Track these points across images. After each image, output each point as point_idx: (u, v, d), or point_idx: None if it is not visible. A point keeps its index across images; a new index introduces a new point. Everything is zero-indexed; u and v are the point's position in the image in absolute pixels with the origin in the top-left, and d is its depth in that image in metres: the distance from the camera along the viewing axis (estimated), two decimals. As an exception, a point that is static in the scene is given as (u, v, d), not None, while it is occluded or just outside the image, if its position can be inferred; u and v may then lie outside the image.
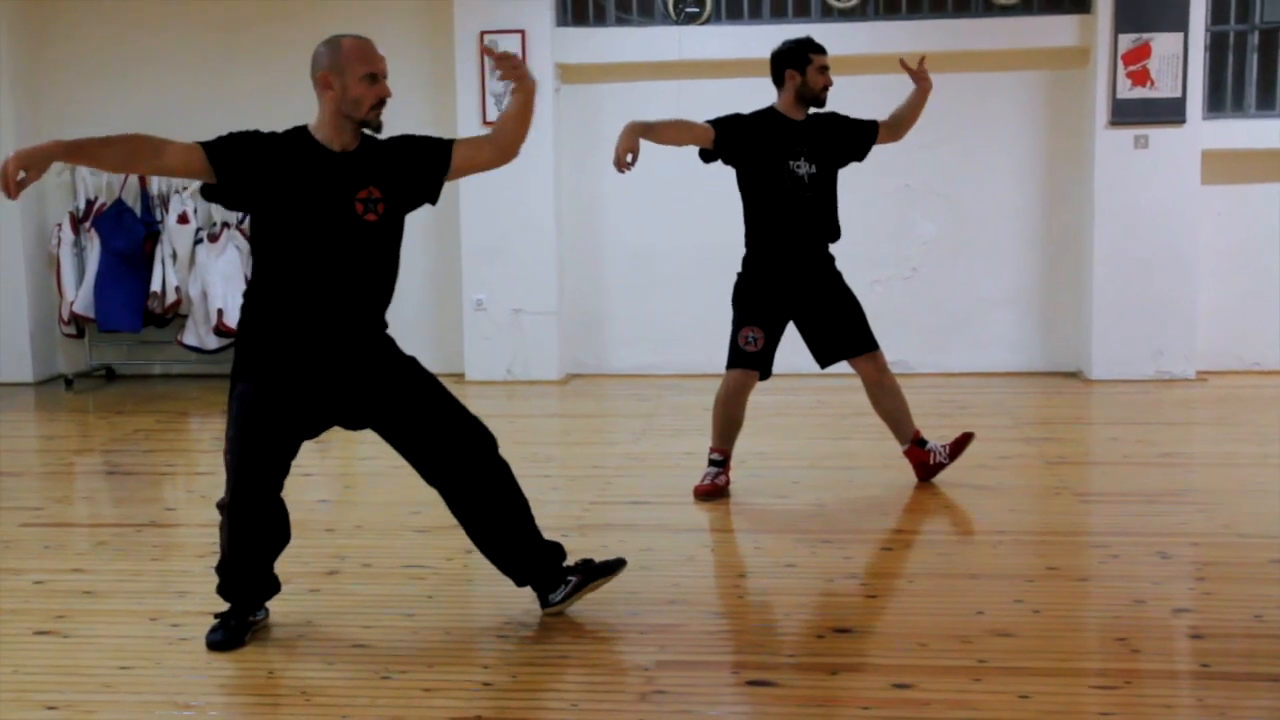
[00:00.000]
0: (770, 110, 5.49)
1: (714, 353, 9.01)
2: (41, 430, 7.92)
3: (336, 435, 6.85)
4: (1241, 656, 3.65)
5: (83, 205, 9.13)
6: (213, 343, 8.96)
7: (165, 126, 9.10)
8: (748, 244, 5.56)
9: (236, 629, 3.82)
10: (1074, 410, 7.89)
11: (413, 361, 3.92)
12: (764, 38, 8.77)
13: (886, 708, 3.33)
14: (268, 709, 3.44)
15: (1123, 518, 5.20)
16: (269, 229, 3.72)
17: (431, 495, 5.55)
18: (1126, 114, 8.40)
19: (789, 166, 5.38)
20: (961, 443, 5.70)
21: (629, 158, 5.09)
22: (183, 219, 8.91)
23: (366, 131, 3.77)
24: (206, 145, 3.62)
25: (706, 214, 8.95)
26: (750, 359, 5.48)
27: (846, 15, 8.77)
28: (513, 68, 3.79)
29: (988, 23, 8.65)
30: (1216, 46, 8.65)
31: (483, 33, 8.66)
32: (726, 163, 5.46)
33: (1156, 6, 8.28)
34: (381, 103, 3.68)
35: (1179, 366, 8.60)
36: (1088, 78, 8.60)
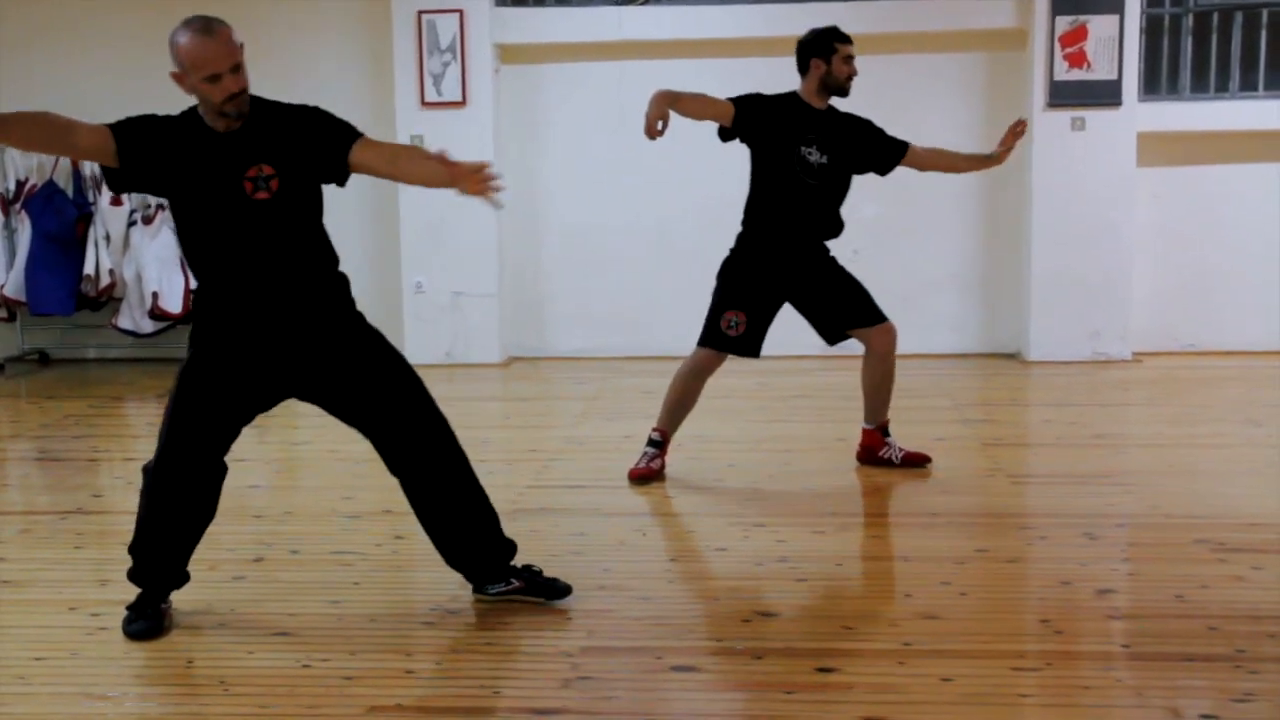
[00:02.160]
0: (792, 95, 5.46)
1: (657, 335, 9.06)
2: (-29, 416, 7.79)
3: (275, 420, 6.79)
4: (1161, 637, 3.68)
5: (13, 186, 8.96)
6: (148, 326, 8.84)
7: (97, 102, 8.99)
8: (745, 224, 5.50)
9: (154, 616, 3.77)
10: (1011, 392, 7.94)
11: (374, 341, 3.85)
12: (704, 19, 8.81)
13: (809, 692, 3.33)
14: (185, 698, 3.39)
15: (1053, 499, 5.24)
16: (175, 212, 3.71)
17: (365, 481, 5.56)
18: (1064, 96, 8.45)
19: (800, 152, 5.34)
20: (918, 459, 5.68)
21: (660, 125, 5.00)
22: (116, 201, 8.75)
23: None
24: (114, 128, 3.56)
25: (648, 195, 8.94)
26: (727, 342, 5.44)
27: (786, -3, 8.74)
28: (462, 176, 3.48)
29: (926, 5, 8.66)
30: (1152, 29, 8.70)
31: (420, 12, 8.57)
32: (743, 141, 5.41)
33: (1093, -11, 8.33)
34: (232, 96, 3.54)
35: (1115, 348, 8.68)
36: (1025, 60, 8.64)
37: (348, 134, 3.69)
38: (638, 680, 3.44)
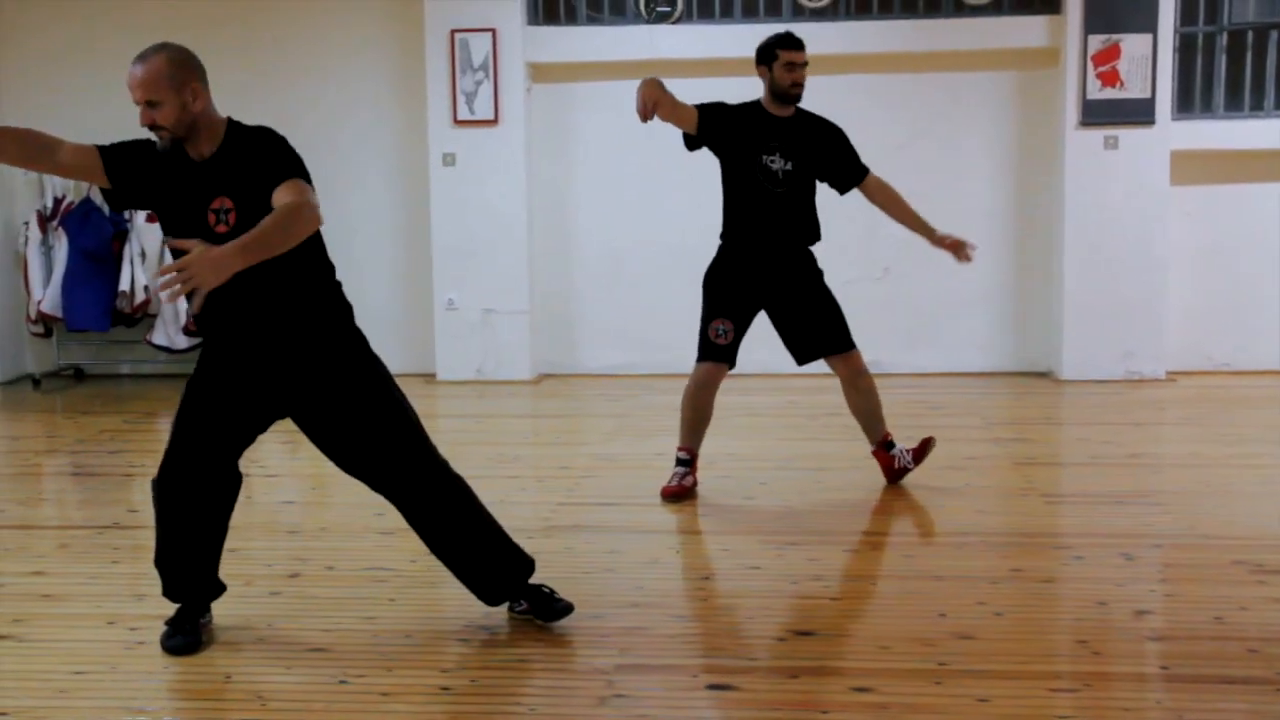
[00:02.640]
0: (755, 103, 5.49)
1: (686, 353, 9.00)
2: (8, 430, 7.85)
3: (301, 434, 6.78)
4: (1201, 659, 3.65)
5: (50, 204, 9.06)
6: (182, 342, 8.91)
7: (134, 121, 9.08)
8: (722, 234, 5.56)
9: (191, 631, 3.79)
10: (1044, 411, 7.91)
11: (359, 371, 3.75)
12: (735, 37, 8.82)
13: (846, 711, 3.32)
14: (223, 714, 3.41)
15: (1089, 519, 5.21)
16: (150, 209, 3.76)
17: (397, 497, 5.57)
18: (1096, 115, 8.43)
19: (761, 160, 5.38)
20: (924, 447, 5.70)
21: (653, 106, 5.08)
22: (152, 218, 8.84)
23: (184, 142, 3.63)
24: (102, 149, 3.63)
25: (679, 214, 8.95)
26: (720, 351, 5.47)
27: (818, 15, 8.77)
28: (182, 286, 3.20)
29: (959, 23, 8.67)
30: (1185, 47, 8.68)
31: (453, 30, 8.63)
32: (710, 149, 5.45)
33: (1126, 8, 8.31)
34: (152, 126, 3.55)
35: (1148, 367, 8.63)
36: (1058, 78, 8.63)
37: (286, 168, 3.54)
38: (673, 698, 3.44)
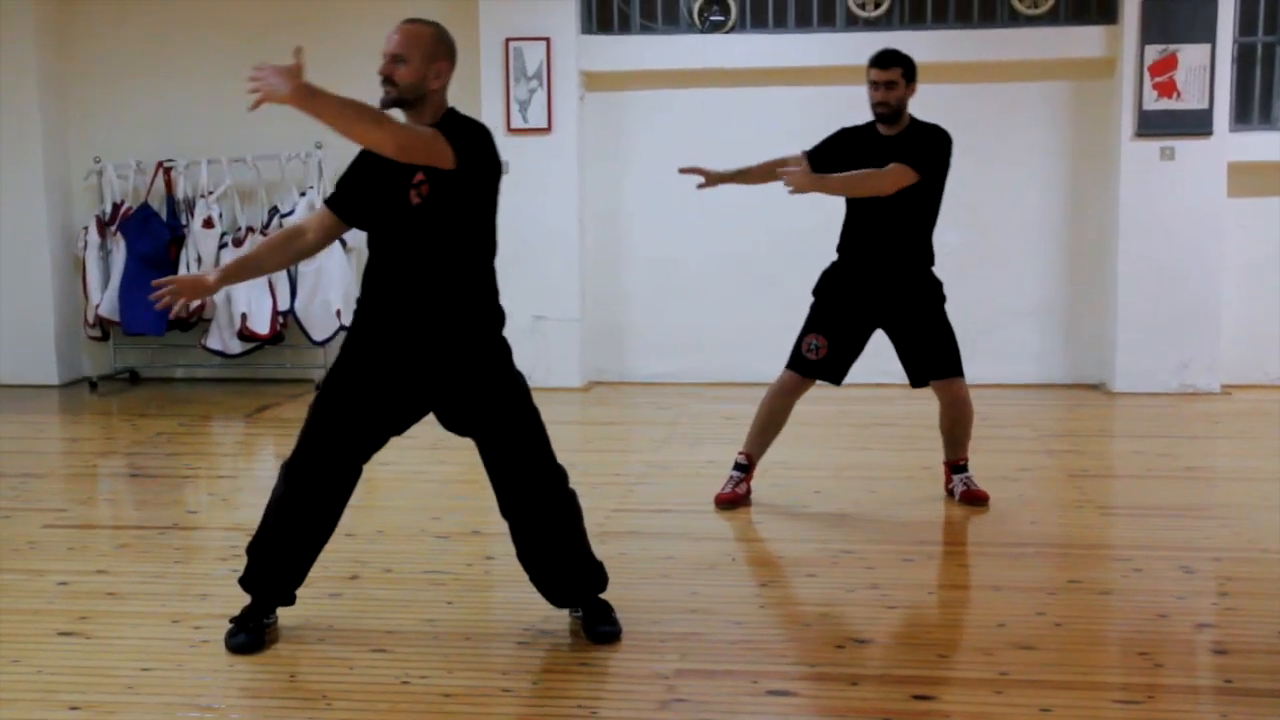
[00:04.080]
0: (870, 124, 5.48)
1: (736, 361, 9.07)
2: (65, 432, 7.97)
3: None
4: (1265, 673, 3.62)
5: (109, 209, 9.19)
6: (236, 347, 9.00)
7: (190, 128, 9.21)
8: (839, 248, 5.56)
9: (255, 630, 3.84)
10: (1097, 423, 7.86)
11: (508, 379, 3.86)
12: (788, 46, 8.84)
13: (907, 719, 3.32)
14: (289, 712, 3.44)
15: (1146, 531, 5.18)
16: (365, 213, 3.84)
17: (452, 503, 5.65)
18: (1152, 125, 8.37)
19: None
20: (977, 498, 5.58)
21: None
22: (208, 224, 8.96)
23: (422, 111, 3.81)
24: (331, 204, 3.84)
25: (729, 223, 8.96)
26: (806, 365, 5.46)
27: (872, 25, 8.76)
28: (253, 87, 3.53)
29: (1014, 33, 8.63)
30: (1244, 58, 8.61)
31: (507, 39, 8.68)
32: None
33: (1183, 18, 8.25)
34: (386, 79, 3.74)
35: (1203, 380, 8.56)
36: (1114, 89, 8.57)
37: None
38: (734, 703, 3.45)
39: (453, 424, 3.88)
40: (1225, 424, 7.74)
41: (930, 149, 5.32)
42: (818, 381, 5.54)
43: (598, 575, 3.98)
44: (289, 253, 3.95)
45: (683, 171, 5.41)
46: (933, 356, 5.46)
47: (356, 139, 3.55)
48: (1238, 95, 8.59)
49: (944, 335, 5.47)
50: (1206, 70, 8.26)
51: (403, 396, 3.80)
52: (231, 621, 3.88)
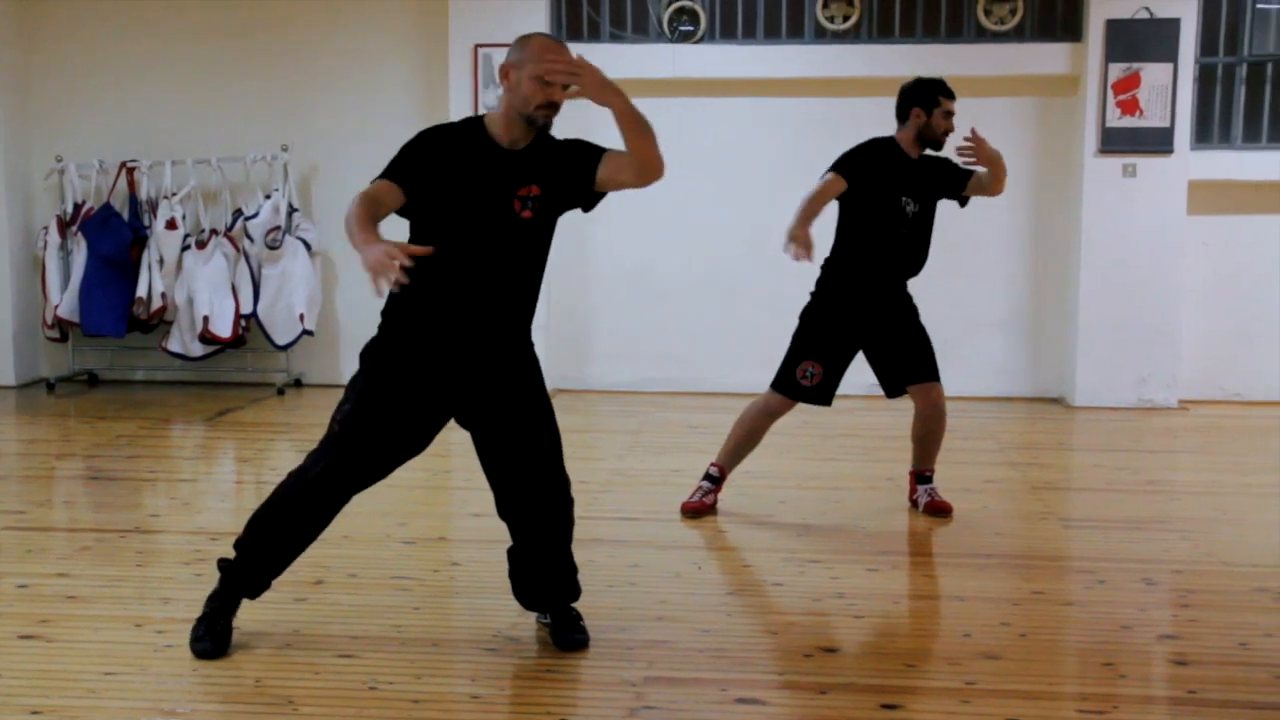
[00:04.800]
0: (891, 142, 5.44)
1: (703, 371, 9.09)
2: (22, 434, 7.87)
3: (316, 443, 6.78)
4: (1228, 684, 3.66)
5: (70, 209, 9.10)
6: (197, 350, 8.93)
7: (155, 128, 9.13)
8: (833, 269, 5.46)
9: (223, 633, 3.79)
10: (1058, 436, 7.93)
11: (540, 383, 3.85)
12: (756, 57, 8.87)
13: (875, 728, 3.34)
14: (255, 717, 3.40)
15: (1108, 543, 5.22)
16: (432, 220, 3.66)
17: (418, 508, 5.61)
18: (1115, 142, 8.47)
19: (900, 202, 5.34)
20: (940, 509, 5.60)
21: (806, 246, 5.12)
22: (171, 225, 8.88)
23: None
24: (394, 179, 3.59)
25: (696, 232, 8.99)
26: (799, 391, 5.43)
27: (840, 37, 8.81)
28: (594, 89, 3.61)
29: (981, 48, 8.70)
30: (1205, 78, 8.72)
31: (476, 45, 8.67)
32: (854, 192, 5.36)
33: (1147, 37, 8.36)
34: (550, 105, 3.62)
35: (1161, 395, 8.65)
36: (1077, 105, 8.67)
37: (596, 150, 3.75)
38: (703, 711, 3.45)
39: (476, 423, 3.81)
40: (1183, 438, 7.82)
41: (950, 164, 5.54)
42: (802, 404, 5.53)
43: (576, 583, 3.98)
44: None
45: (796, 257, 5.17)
46: (913, 361, 5.48)
47: (638, 149, 3.65)
48: (1198, 114, 8.70)
49: (924, 340, 5.51)
50: (1168, 89, 8.36)
51: (446, 406, 3.76)
52: (199, 623, 3.81)
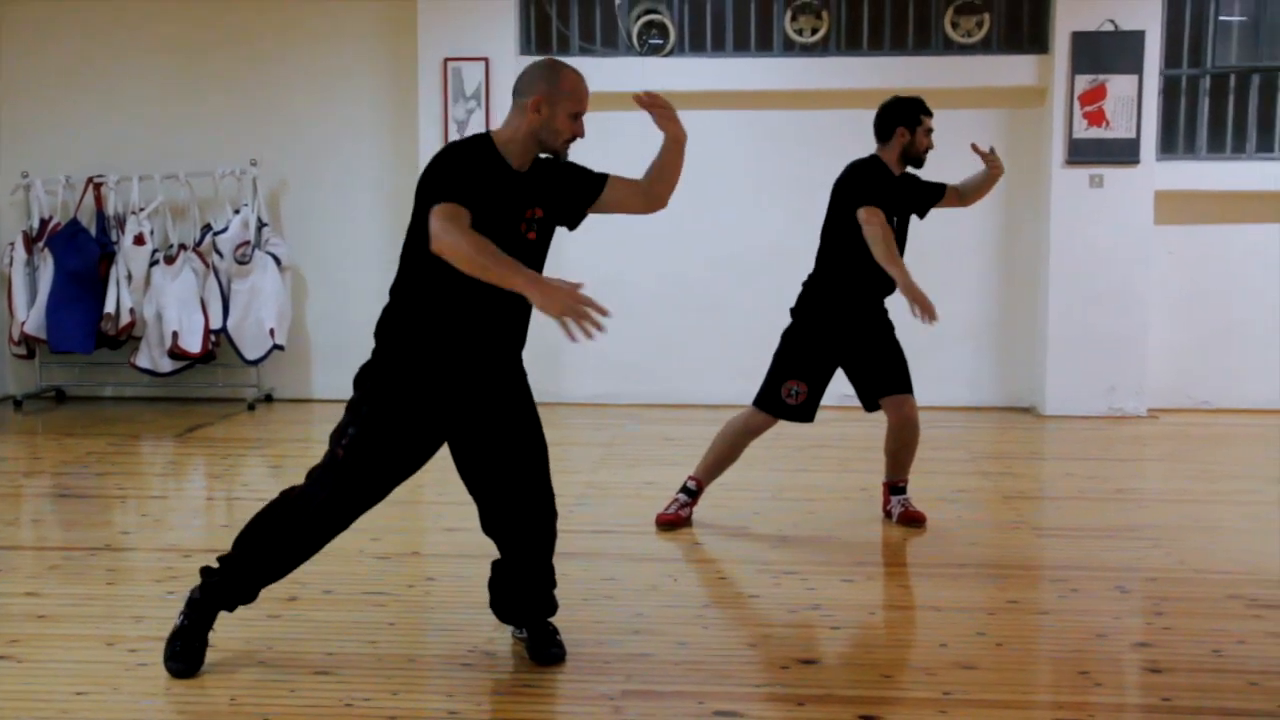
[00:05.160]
0: (879, 161, 5.47)
1: (674, 384, 9.10)
2: (-10, 451, 7.80)
3: (291, 460, 6.79)
4: (1202, 691, 3.68)
5: (37, 224, 9.03)
6: (166, 365, 8.87)
7: (122, 143, 9.08)
8: (817, 288, 5.48)
9: (195, 651, 3.75)
10: (1029, 445, 7.97)
11: (529, 398, 3.85)
12: (726, 70, 8.91)
13: (854, 739, 3.34)
14: (229, 736, 3.39)
15: (1080, 552, 5.25)
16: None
17: (391, 523, 5.57)
18: (1082, 153, 8.54)
19: (891, 222, 5.36)
20: (914, 519, 5.63)
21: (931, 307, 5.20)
22: (139, 240, 8.83)
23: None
24: (456, 198, 3.47)
25: (667, 246, 9.00)
26: (783, 409, 5.44)
27: (808, 50, 8.85)
28: (667, 117, 3.79)
29: (948, 60, 8.76)
30: (1169, 90, 8.80)
31: (446, 59, 8.67)
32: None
33: (1112, 49, 8.43)
34: (574, 139, 3.67)
35: (1130, 404, 8.71)
36: (1045, 117, 8.74)
37: (597, 175, 3.86)
38: (681, 724, 3.44)
39: (468, 439, 3.77)
40: (1152, 447, 7.88)
41: (918, 180, 5.66)
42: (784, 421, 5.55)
43: (554, 598, 3.98)
44: None
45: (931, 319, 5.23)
46: (886, 375, 5.51)
47: (671, 180, 3.93)
48: (1164, 126, 8.79)
49: (898, 354, 5.55)
50: (1134, 100, 8.44)
51: (447, 427, 3.73)
52: (172, 639, 3.76)
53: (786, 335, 5.51)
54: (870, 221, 5.24)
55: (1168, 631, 4.24)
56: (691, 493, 5.62)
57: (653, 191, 3.91)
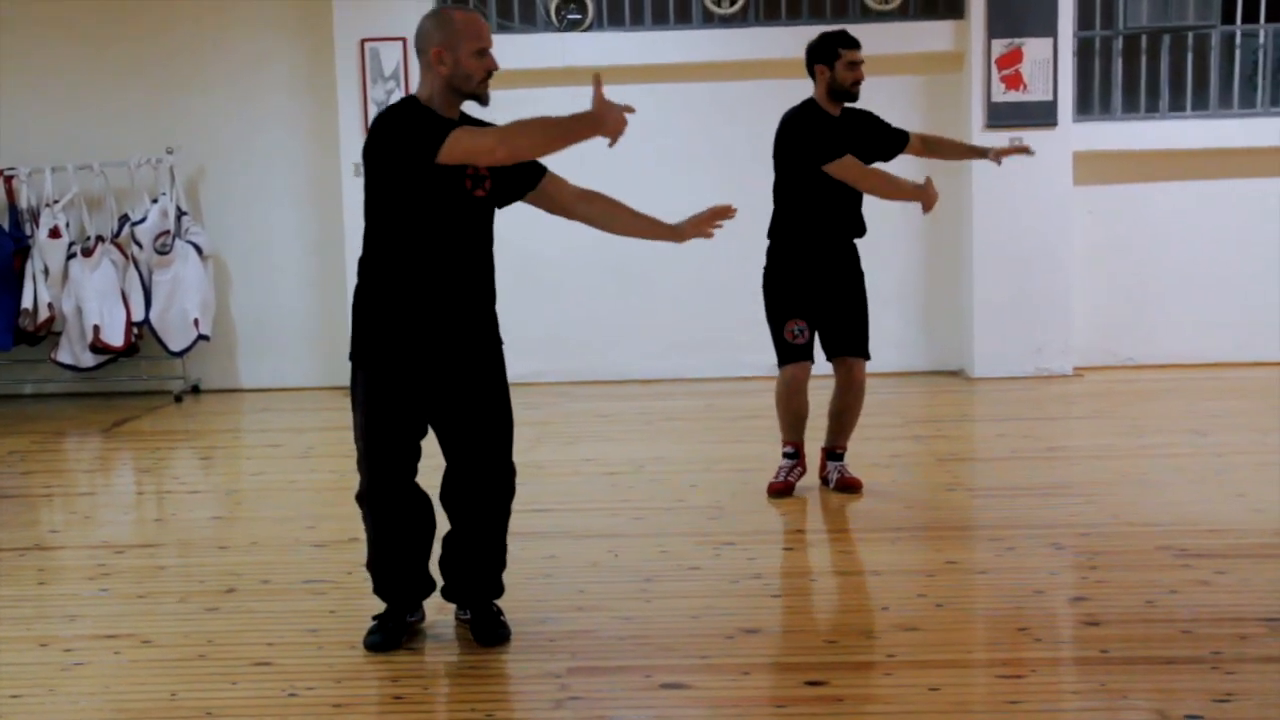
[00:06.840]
0: (812, 104, 5.47)
1: (608, 360, 9.07)
2: (-92, 454, 7.61)
3: (221, 451, 6.69)
4: (1139, 641, 3.75)
5: (-53, 220, 8.80)
6: (88, 360, 8.70)
7: (33, 134, 8.87)
8: (776, 235, 5.53)
9: (394, 630, 3.81)
10: (959, 408, 8.05)
11: (501, 372, 3.87)
12: (645, 44, 8.87)
13: (801, 705, 3.36)
14: (172, 732, 3.34)
15: (1015, 511, 5.32)
16: (391, 205, 3.66)
17: (327, 510, 5.52)
18: (1001, 117, 8.61)
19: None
20: (850, 485, 5.66)
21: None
22: (54, 233, 8.63)
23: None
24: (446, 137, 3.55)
25: (591, 220, 8.95)
26: (801, 350, 5.48)
27: (727, 21, 8.84)
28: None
29: (865, 28, 8.69)
30: (1083, 51, 8.91)
31: (363, 40, 8.55)
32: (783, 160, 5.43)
33: (1026, 12, 8.50)
34: (489, 75, 3.67)
35: (1057, 363, 8.83)
36: (963, 81, 8.80)
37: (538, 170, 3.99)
38: (629, 698, 3.44)
39: (440, 405, 3.78)
40: (1080, 405, 8.00)
41: (876, 118, 5.64)
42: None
43: (501, 580, 3.98)
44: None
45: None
46: (847, 332, 5.57)
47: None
48: (1079, 87, 8.89)
49: (861, 313, 5.62)
50: (1050, 63, 8.53)
51: (431, 391, 3.73)
52: (374, 619, 3.85)
53: (765, 286, 5.55)
54: (845, 172, 5.28)
55: (1102, 585, 4.32)
56: (792, 455, 5.64)
57: (579, 211, 4.13)
